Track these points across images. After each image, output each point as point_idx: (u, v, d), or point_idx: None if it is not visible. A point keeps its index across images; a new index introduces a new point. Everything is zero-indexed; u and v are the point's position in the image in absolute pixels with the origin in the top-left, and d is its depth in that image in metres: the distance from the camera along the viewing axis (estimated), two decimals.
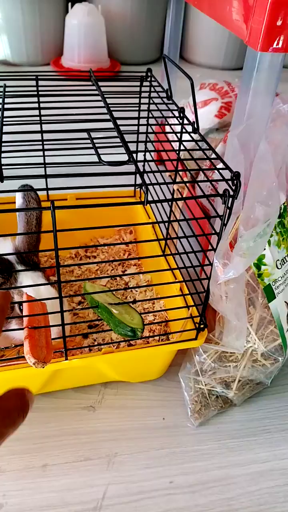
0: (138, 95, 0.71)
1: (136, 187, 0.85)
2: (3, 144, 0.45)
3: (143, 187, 0.40)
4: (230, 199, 0.44)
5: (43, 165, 0.70)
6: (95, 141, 0.44)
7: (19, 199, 0.64)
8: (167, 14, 1.07)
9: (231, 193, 0.43)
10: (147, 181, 0.44)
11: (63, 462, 0.58)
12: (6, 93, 0.59)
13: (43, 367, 0.46)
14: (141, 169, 0.44)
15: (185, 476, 0.58)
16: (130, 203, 0.55)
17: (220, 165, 0.49)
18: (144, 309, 0.74)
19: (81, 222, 0.60)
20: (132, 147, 0.52)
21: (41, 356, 0.46)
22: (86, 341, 0.69)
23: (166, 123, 0.60)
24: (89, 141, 0.45)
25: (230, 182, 0.44)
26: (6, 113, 0.53)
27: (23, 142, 0.47)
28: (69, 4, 1.90)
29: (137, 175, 0.81)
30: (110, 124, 0.51)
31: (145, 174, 0.55)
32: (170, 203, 0.67)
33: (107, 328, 0.67)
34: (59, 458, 0.58)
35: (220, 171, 0.48)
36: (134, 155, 0.58)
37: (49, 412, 0.63)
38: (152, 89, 0.67)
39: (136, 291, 0.78)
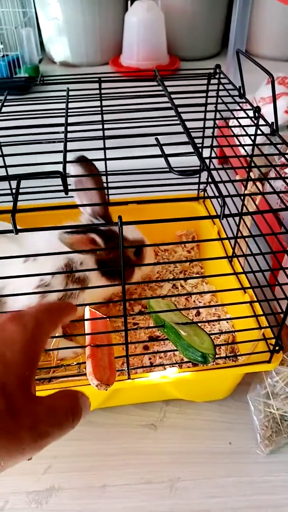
0: (203, 94, 0.66)
1: (200, 190, 0.81)
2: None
3: (219, 200, 0.36)
4: None
5: (104, 174, 0.67)
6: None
7: (78, 170, 0.60)
8: (233, 7, 1.00)
9: None
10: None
11: (123, 484, 0.55)
12: (69, 97, 0.57)
13: (106, 390, 0.43)
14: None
15: (253, 510, 0.53)
16: (202, 218, 0.52)
17: None
18: (209, 323, 0.69)
19: (142, 226, 0.57)
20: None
21: (104, 378, 0.43)
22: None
23: (238, 124, 0.55)
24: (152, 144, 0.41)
25: None
26: (69, 119, 0.51)
27: (86, 151, 0.45)
28: (129, 2, 1.88)
29: (201, 177, 0.77)
30: (177, 127, 0.47)
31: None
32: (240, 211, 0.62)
33: (167, 340, 0.64)
34: (120, 479, 0.56)
35: None
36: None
37: (110, 428, 0.61)
38: (221, 87, 0.62)
39: (200, 302, 0.74)
